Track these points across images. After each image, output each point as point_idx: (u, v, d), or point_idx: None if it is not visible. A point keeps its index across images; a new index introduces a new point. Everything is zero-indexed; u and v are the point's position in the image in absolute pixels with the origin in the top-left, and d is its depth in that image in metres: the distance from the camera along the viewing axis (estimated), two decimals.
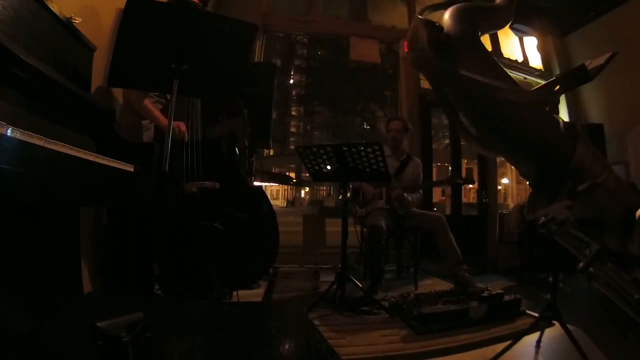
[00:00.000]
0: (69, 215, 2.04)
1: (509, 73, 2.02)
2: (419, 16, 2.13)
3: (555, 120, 1.84)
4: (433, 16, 2.29)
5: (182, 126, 2.67)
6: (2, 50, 1.23)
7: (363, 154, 2.94)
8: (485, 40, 5.61)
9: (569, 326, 2.11)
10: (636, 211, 1.60)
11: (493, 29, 2.55)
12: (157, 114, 2.65)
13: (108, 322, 1.05)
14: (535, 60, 6.46)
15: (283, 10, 6.26)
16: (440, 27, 1.94)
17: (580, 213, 1.68)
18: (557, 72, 6.22)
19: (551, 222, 1.75)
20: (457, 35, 1.92)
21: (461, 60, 1.84)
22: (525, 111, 1.78)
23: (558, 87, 1.92)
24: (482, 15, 2.17)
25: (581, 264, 1.81)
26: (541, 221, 1.78)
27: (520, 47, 6.45)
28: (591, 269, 1.78)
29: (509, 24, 2.42)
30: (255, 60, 5.14)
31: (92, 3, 2.51)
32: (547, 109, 1.93)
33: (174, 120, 2.03)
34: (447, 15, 2.03)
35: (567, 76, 2.31)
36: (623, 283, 1.70)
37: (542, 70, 6.38)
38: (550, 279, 2.44)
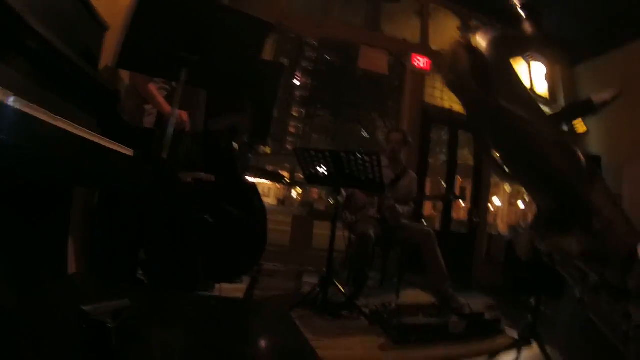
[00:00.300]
0: (61, 193, 2.03)
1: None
2: (461, 39, 2.10)
3: (578, 156, 1.85)
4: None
5: (185, 115, 2.67)
6: (16, 19, 1.21)
7: (360, 162, 2.96)
8: None
9: (547, 347, 2.15)
10: (638, 249, 1.65)
11: (520, 55, 2.68)
12: (161, 99, 2.65)
13: (93, 306, 1.06)
14: (541, 87, 6.50)
15: (298, 11, 6.26)
16: (482, 53, 1.93)
17: (587, 247, 1.72)
18: (562, 101, 6.28)
19: (558, 253, 1.81)
20: (495, 61, 1.92)
21: (499, 87, 1.86)
22: (554, 147, 1.80)
23: (584, 126, 2.00)
24: (516, 42, 2.24)
25: (578, 292, 1.87)
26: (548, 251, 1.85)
27: (527, 72, 6.50)
28: (586, 299, 1.83)
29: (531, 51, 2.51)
30: (265, 58, 5.15)
31: None
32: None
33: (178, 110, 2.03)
34: (484, 41, 2.01)
35: (574, 107, 2.39)
36: (614, 314, 1.75)
37: (547, 98, 6.43)
38: (532, 300, 2.48)
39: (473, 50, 1.94)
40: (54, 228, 1.97)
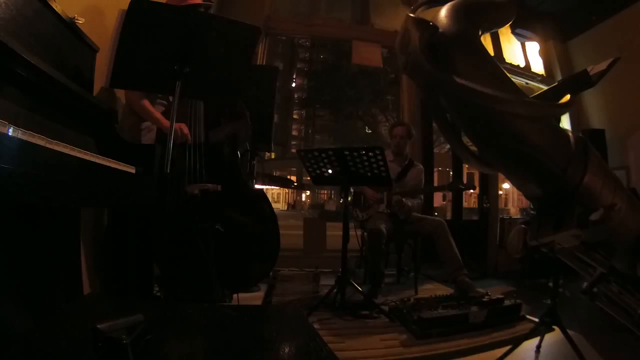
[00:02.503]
0: (70, 215, 2.04)
1: (511, 78, 1.80)
2: (411, 14, 1.85)
3: (565, 136, 1.61)
4: (427, 14, 2.01)
5: (185, 128, 2.67)
6: (4, 49, 1.23)
7: (365, 158, 2.94)
8: (488, 45, 5.61)
9: (569, 331, 2.11)
10: None
11: (494, 27, 2.24)
12: (158, 115, 2.66)
13: (108, 324, 1.06)
14: (537, 66, 6.46)
15: (286, 13, 6.28)
16: (435, 27, 1.68)
17: (588, 238, 1.56)
18: (559, 77, 6.23)
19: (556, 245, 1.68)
20: (454, 35, 1.67)
21: (458, 65, 1.60)
22: (531, 126, 1.54)
23: (568, 97, 1.76)
24: (482, 11, 1.94)
25: (585, 285, 1.78)
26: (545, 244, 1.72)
27: (522, 52, 6.45)
28: (595, 289, 1.75)
29: (510, 22, 2.14)
30: (258, 63, 5.15)
31: (95, 3, 2.52)
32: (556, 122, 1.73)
33: (176, 122, 2.03)
34: (443, 12, 1.76)
35: (569, 82, 2.24)
36: (627, 299, 1.66)
37: (544, 75, 6.38)
38: (551, 284, 2.41)
39: (426, 25, 1.72)
40: (65, 249, 1.98)
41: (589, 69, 1.84)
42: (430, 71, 1.60)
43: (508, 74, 1.69)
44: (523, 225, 1.83)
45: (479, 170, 5.00)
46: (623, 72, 3.40)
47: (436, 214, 6.62)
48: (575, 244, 1.60)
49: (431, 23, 1.72)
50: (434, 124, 5.72)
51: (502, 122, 1.54)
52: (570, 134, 1.64)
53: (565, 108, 1.82)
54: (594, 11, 5.55)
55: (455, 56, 1.64)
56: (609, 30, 5.48)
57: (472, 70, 1.59)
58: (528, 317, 2.88)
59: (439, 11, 1.81)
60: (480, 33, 1.86)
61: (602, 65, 1.81)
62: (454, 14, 1.74)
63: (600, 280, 1.71)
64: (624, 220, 1.52)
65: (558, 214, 1.60)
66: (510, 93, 1.54)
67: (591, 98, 5.76)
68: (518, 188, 1.96)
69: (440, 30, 1.68)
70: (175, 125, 2.47)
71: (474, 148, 1.80)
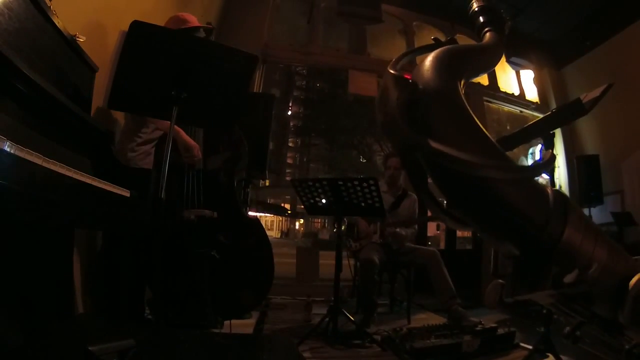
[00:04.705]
0: (63, 234, 2.04)
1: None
2: (391, 70, 1.73)
3: (543, 193, 1.54)
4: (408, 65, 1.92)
5: (199, 152, 2.70)
6: (5, 62, 1.24)
7: (358, 188, 2.96)
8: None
9: (563, 357, 2.10)
10: (629, 280, 1.48)
11: (480, 73, 2.12)
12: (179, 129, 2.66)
13: (100, 347, 1.05)
14: (532, 93, 6.58)
15: (284, 41, 6.38)
16: (414, 85, 1.59)
17: (566, 294, 1.50)
18: (554, 104, 6.34)
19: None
20: (434, 92, 1.59)
21: (436, 125, 1.53)
22: (508, 189, 1.47)
23: (550, 153, 1.62)
24: (468, 59, 1.88)
25: (567, 329, 1.77)
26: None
27: (516, 80, 6.57)
28: (578, 333, 1.73)
29: (496, 65, 2.05)
30: (254, 90, 5.22)
31: (96, 22, 2.55)
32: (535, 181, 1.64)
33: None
34: (426, 64, 1.67)
35: (563, 110, 2.25)
36: (610, 341, 1.62)
37: (539, 103, 6.49)
38: (544, 311, 2.41)
39: (405, 83, 1.61)
40: (57, 268, 1.97)
41: (582, 97, 1.83)
42: (406, 134, 1.53)
43: (488, 135, 1.60)
44: (500, 280, 1.78)
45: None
46: (616, 96, 3.45)
47: (430, 243, 6.61)
48: (552, 301, 1.57)
49: (410, 81, 1.64)
50: None
51: (478, 187, 1.47)
52: (548, 190, 1.57)
53: (544, 167, 1.73)
54: (588, 37, 5.68)
55: (434, 115, 1.56)
56: (602, 56, 5.60)
57: (450, 131, 1.53)
58: (522, 344, 2.86)
59: (422, 60, 1.74)
60: (462, 85, 1.78)
61: (596, 92, 1.81)
62: (437, 66, 1.67)
63: (580, 327, 1.70)
64: (605, 270, 1.46)
65: (534, 273, 1.55)
66: (488, 156, 1.49)
67: (585, 124, 5.85)
68: (494, 247, 1.94)
69: (420, 86, 1.60)
70: (193, 144, 2.50)
71: None
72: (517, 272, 1.67)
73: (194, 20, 2.80)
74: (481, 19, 2.03)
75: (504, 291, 1.75)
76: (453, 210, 1.71)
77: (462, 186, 1.53)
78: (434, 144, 1.43)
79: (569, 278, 1.44)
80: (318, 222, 24.08)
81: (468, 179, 1.45)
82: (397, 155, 4.17)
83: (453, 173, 1.47)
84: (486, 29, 2.01)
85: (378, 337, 2.97)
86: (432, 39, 1.94)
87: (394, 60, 1.90)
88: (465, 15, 2.13)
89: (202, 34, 2.83)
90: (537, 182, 1.64)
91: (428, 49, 1.85)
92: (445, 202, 1.75)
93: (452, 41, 1.92)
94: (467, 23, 1.96)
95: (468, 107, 1.64)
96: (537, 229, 1.47)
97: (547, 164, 1.68)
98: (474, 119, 1.61)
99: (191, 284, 2.56)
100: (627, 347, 1.52)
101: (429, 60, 1.70)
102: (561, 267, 1.46)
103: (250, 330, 3.11)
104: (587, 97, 1.81)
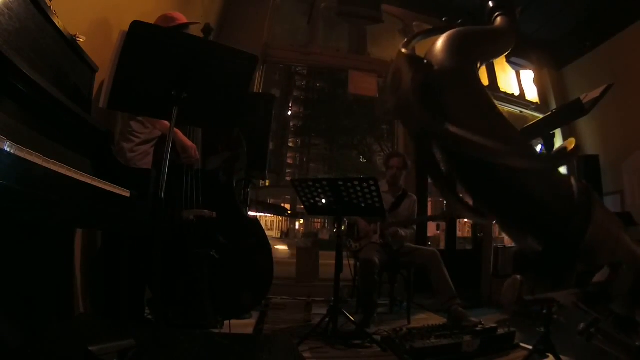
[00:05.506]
0: (64, 234, 2.04)
1: (506, 107, 1.64)
2: (403, 49, 1.63)
3: (567, 185, 1.44)
4: (423, 43, 1.82)
5: (196, 152, 2.70)
6: (5, 62, 1.24)
7: (358, 188, 2.96)
8: (482, 74, 5.71)
9: (562, 358, 2.09)
10: None
11: (493, 57, 2.04)
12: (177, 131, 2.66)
13: (100, 347, 1.05)
14: (532, 94, 6.56)
15: (284, 41, 6.37)
16: (430, 65, 1.49)
17: (588, 293, 1.45)
18: (554, 104, 6.33)
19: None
20: (450, 74, 1.48)
21: (453, 109, 1.43)
22: (531, 179, 1.38)
23: (573, 142, 1.47)
24: (481, 42, 1.78)
25: (581, 326, 1.74)
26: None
27: (517, 80, 6.56)
28: (592, 330, 1.71)
29: (509, 50, 1.95)
30: (254, 90, 5.21)
31: (96, 22, 2.54)
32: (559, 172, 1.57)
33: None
34: (439, 45, 1.56)
35: (563, 111, 2.23)
36: (624, 339, 1.60)
37: (539, 103, 6.48)
38: (545, 311, 2.40)
39: (420, 63, 1.51)
40: (58, 268, 1.97)
41: (582, 97, 1.80)
42: (423, 118, 1.43)
43: (502, 103, 1.49)
44: (518, 276, 1.70)
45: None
46: (616, 97, 3.45)
47: (430, 243, 6.61)
48: (574, 300, 1.52)
49: (426, 61, 1.53)
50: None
51: (500, 176, 1.38)
52: (572, 181, 1.48)
53: (569, 157, 1.68)
54: (588, 38, 5.68)
55: (451, 99, 1.47)
56: (602, 56, 5.59)
57: (468, 115, 1.44)
58: (522, 345, 2.86)
59: (434, 42, 1.62)
60: (478, 66, 1.70)
61: (596, 93, 1.79)
62: (451, 47, 1.57)
63: (594, 324, 1.68)
64: (628, 263, 1.40)
65: (557, 270, 1.48)
66: (510, 142, 1.40)
67: (585, 124, 5.84)
68: (515, 242, 1.78)
69: (435, 67, 1.50)
70: (191, 145, 2.50)
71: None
72: (540, 268, 1.58)
73: (181, 18, 2.79)
74: (491, 3, 1.95)
75: (522, 289, 1.68)
76: (471, 200, 1.59)
77: (482, 175, 1.44)
78: (452, 129, 1.33)
79: (599, 277, 1.38)
80: (318, 222, 24.06)
81: (489, 168, 1.36)
82: (399, 155, 4.17)
83: (473, 160, 1.36)
84: (497, 14, 1.92)
85: (378, 337, 2.97)
86: (443, 19, 1.87)
87: (405, 40, 1.81)
88: (465, 15, 2.08)
89: (188, 30, 2.81)
90: (560, 173, 1.59)
91: (440, 31, 1.74)
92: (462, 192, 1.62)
93: (464, 23, 1.83)
94: (467, 23, 1.92)
95: (487, 91, 1.57)
96: (561, 223, 1.40)
97: (572, 153, 1.56)
98: (494, 102, 1.54)
99: (191, 284, 2.56)
100: (637, 343, 1.48)
101: (442, 41, 1.60)
102: (586, 265, 1.41)
103: (250, 330, 3.12)
104: (587, 97, 1.79)
